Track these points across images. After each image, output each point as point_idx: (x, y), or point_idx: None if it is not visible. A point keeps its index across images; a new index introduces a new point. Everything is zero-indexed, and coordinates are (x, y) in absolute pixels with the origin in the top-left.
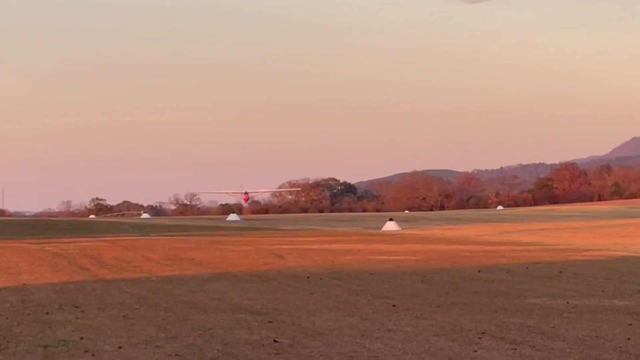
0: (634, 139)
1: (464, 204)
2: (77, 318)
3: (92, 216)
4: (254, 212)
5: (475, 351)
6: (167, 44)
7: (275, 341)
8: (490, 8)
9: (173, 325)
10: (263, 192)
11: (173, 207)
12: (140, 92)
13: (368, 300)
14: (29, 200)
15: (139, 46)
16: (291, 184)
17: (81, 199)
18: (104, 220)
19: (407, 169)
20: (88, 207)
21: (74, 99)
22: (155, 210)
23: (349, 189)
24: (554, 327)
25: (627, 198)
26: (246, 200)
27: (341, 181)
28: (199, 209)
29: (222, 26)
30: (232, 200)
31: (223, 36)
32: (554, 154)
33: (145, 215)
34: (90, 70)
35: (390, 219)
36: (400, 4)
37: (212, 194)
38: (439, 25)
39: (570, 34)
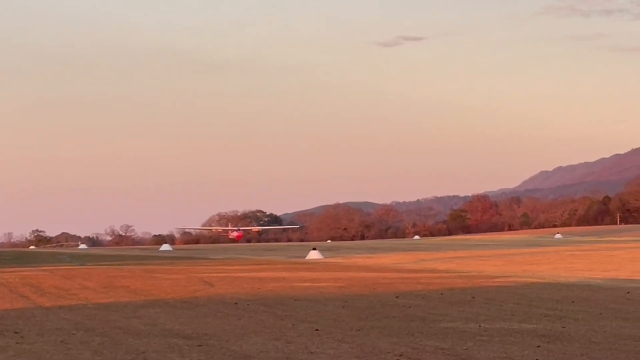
0: (542, 172)
1: (383, 234)
2: (17, 343)
3: (32, 247)
4: (185, 242)
5: None
6: (105, 83)
7: None
8: (408, 50)
9: (108, 349)
10: (257, 230)
11: (109, 237)
12: (77, 130)
13: (292, 324)
14: None
15: (77, 86)
16: (220, 216)
17: (22, 231)
18: (43, 250)
19: (330, 201)
20: (28, 238)
21: (13, 135)
22: (92, 241)
23: (275, 220)
24: (467, 349)
25: (535, 228)
26: (240, 237)
27: (268, 213)
28: (133, 239)
29: (156, 68)
30: (222, 237)
31: (158, 78)
32: (467, 187)
33: (82, 246)
34: (28, 108)
35: (314, 248)
36: (320, 45)
37: (201, 229)
38: (359, 65)
39: (482, 75)
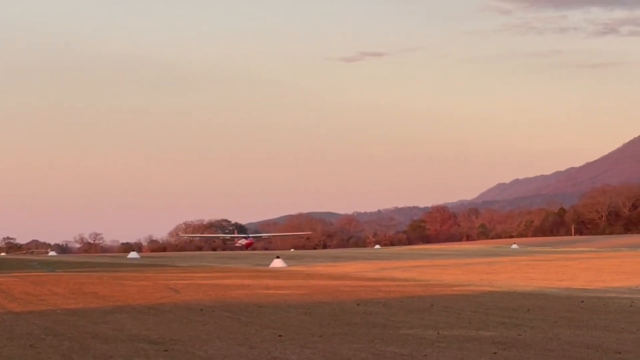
0: (499, 184)
1: (345, 243)
2: None
3: (2, 254)
4: (152, 250)
5: None
6: (75, 94)
7: None
8: (369, 66)
9: (77, 353)
10: (267, 237)
11: (78, 245)
12: (48, 140)
13: (256, 330)
14: None
15: (47, 96)
16: (187, 225)
17: None
18: (14, 257)
19: (293, 211)
20: None
21: None
22: (62, 249)
23: (240, 229)
24: (425, 355)
25: (492, 238)
26: (249, 245)
27: (233, 222)
28: (102, 247)
29: (123, 81)
30: (230, 244)
31: (125, 91)
32: (427, 198)
33: (52, 253)
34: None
35: (278, 257)
36: (285, 60)
37: (206, 237)
38: (323, 79)
39: (441, 90)
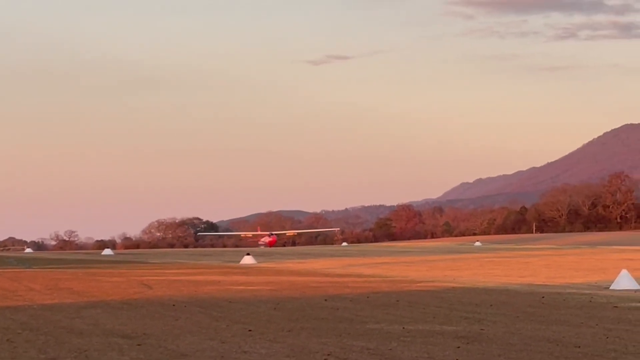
0: (463, 184)
1: (313, 241)
2: None
3: None
4: (126, 247)
5: None
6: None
7: None
8: (336, 68)
9: (52, 348)
10: (292, 233)
11: (54, 242)
12: (23, 139)
13: (227, 325)
14: None
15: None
16: (159, 223)
17: None
18: None
19: (263, 209)
20: None
21: None
22: (38, 245)
23: (211, 226)
24: (391, 349)
25: (456, 236)
26: (273, 243)
27: (204, 220)
28: (77, 244)
29: (97, 80)
30: (253, 243)
31: (99, 90)
32: (393, 197)
33: (28, 250)
34: None
35: (248, 254)
36: (254, 62)
37: (225, 235)
38: (290, 81)
39: (406, 92)
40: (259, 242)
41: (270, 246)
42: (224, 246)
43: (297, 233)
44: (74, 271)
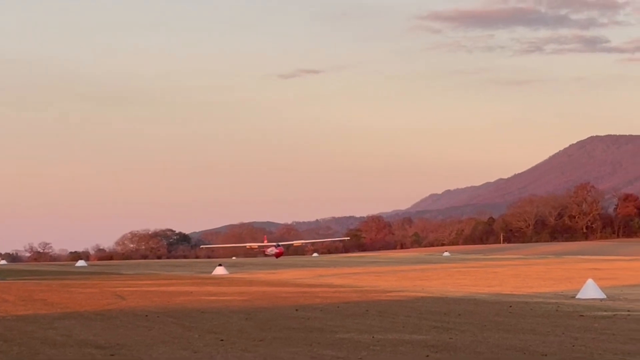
0: (432, 195)
1: (284, 251)
2: None
3: None
4: (99, 259)
5: None
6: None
7: None
8: (306, 82)
9: (26, 358)
10: (299, 244)
11: (28, 254)
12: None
13: (199, 335)
14: None
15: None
16: (133, 234)
17: None
18: None
19: (235, 220)
20: None
21: None
22: (12, 257)
23: (183, 238)
24: (361, 358)
25: (425, 246)
26: (279, 254)
27: (177, 231)
28: (51, 256)
29: (72, 95)
30: (257, 253)
31: (74, 105)
32: (363, 208)
33: (2, 262)
34: None
35: (220, 265)
36: (225, 76)
37: (228, 247)
38: (261, 95)
39: (376, 105)
40: (266, 253)
41: (277, 257)
42: (197, 257)
43: (304, 243)
44: (48, 282)
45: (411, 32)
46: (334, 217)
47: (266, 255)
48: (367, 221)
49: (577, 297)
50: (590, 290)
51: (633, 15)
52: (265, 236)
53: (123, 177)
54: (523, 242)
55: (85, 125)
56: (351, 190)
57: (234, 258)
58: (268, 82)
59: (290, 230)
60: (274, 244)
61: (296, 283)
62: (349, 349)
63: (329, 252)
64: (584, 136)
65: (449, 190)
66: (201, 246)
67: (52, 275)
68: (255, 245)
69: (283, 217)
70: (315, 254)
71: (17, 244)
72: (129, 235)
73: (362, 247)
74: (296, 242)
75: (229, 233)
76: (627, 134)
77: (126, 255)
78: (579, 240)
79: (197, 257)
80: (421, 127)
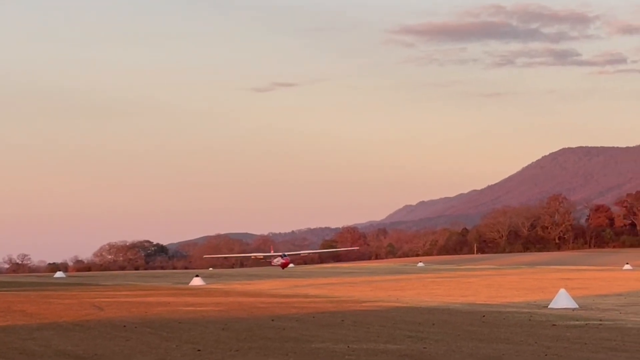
0: (406, 206)
1: (261, 262)
2: None
3: None
4: (78, 270)
5: None
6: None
7: None
8: (281, 95)
9: None
10: (305, 254)
11: (7, 265)
12: None
13: (177, 345)
14: None
15: None
16: (110, 246)
17: None
18: None
19: (212, 232)
20: None
21: None
22: None
23: (161, 249)
24: None
25: (400, 257)
26: (286, 264)
27: (154, 243)
28: (29, 267)
29: (52, 109)
30: (263, 264)
31: (53, 118)
32: (338, 219)
33: None
34: None
35: (197, 275)
36: (201, 90)
37: (238, 257)
38: (237, 108)
39: (350, 118)
40: (272, 263)
41: (283, 268)
42: (174, 268)
43: (311, 253)
44: (27, 294)
45: (384, 46)
46: (309, 228)
47: (272, 265)
48: (342, 232)
49: (549, 306)
50: (562, 300)
51: (603, 29)
52: (271, 246)
53: (101, 189)
54: (496, 252)
55: (63, 138)
56: (327, 201)
57: (210, 269)
58: (244, 96)
59: (267, 242)
60: (280, 254)
61: (272, 294)
62: (324, 359)
63: (305, 262)
64: (556, 148)
65: (423, 201)
66: (204, 256)
67: (31, 286)
68: (260, 255)
69: (259, 228)
70: (291, 265)
71: None
72: (107, 246)
73: (337, 258)
74: (303, 252)
75: (207, 244)
76: (599, 145)
77: (104, 267)
78: (552, 251)
79: (174, 268)
80: (395, 140)
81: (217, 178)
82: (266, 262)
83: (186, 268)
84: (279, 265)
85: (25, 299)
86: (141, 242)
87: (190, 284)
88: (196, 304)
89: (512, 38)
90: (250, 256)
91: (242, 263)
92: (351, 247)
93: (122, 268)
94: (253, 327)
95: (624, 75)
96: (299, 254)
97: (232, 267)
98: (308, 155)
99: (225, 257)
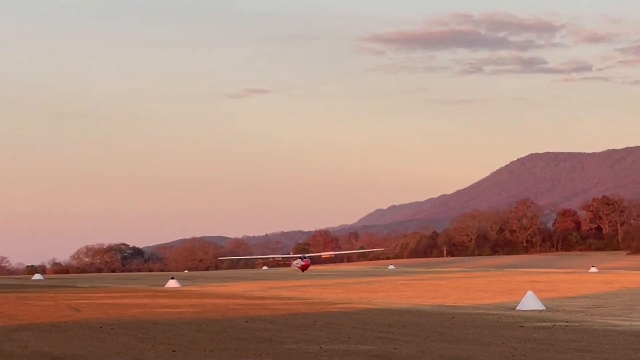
0: (377, 210)
1: (235, 265)
2: None
3: None
4: (56, 272)
5: None
6: None
7: None
8: (254, 102)
9: None
10: (327, 256)
11: None
12: None
13: (152, 346)
14: None
15: None
16: (88, 249)
17: None
18: None
19: (187, 235)
20: None
21: None
22: None
23: (137, 252)
24: None
25: (371, 260)
26: (306, 267)
27: (131, 246)
28: (8, 269)
29: (28, 113)
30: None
31: (25, 123)
32: (311, 223)
33: None
34: None
35: (172, 278)
36: (176, 96)
37: (262, 258)
38: (211, 114)
39: (322, 124)
40: (292, 265)
41: (303, 270)
42: (150, 270)
43: (333, 255)
44: (5, 295)
45: (355, 53)
46: (282, 232)
47: (292, 267)
48: (315, 235)
49: (517, 308)
50: (529, 302)
51: (569, 37)
52: (291, 248)
53: (78, 192)
54: (465, 255)
55: (41, 140)
56: (299, 205)
57: (186, 271)
58: (217, 101)
59: (241, 245)
60: (300, 255)
61: (246, 295)
62: (297, 359)
63: (278, 265)
64: (524, 154)
65: (394, 205)
66: (219, 258)
67: (9, 288)
68: (279, 257)
69: (233, 231)
70: (264, 267)
71: None
72: (84, 249)
73: (312, 261)
74: (324, 254)
75: (182, 247)
76: (566, 151)
77: (81, 269)
78: (520, 254)
79: (150, 271)
80: (367, 145)
81: (192, 182)
82: (285, 264)
83: (162, 270)
84: (298, 267)
85: (4, 301)
86: (118, 245)
87: (165, 286)
88: (171, 305)
89: (481, 46)
90: (269, 258)
91: (263, 264)
92: (323, 250)
93: (99, 270)
94: (227, 328)
95: (589, 82)
96: (320, 255)
97: (207, 270)
98: (281, 160)
99: (263, 258)
